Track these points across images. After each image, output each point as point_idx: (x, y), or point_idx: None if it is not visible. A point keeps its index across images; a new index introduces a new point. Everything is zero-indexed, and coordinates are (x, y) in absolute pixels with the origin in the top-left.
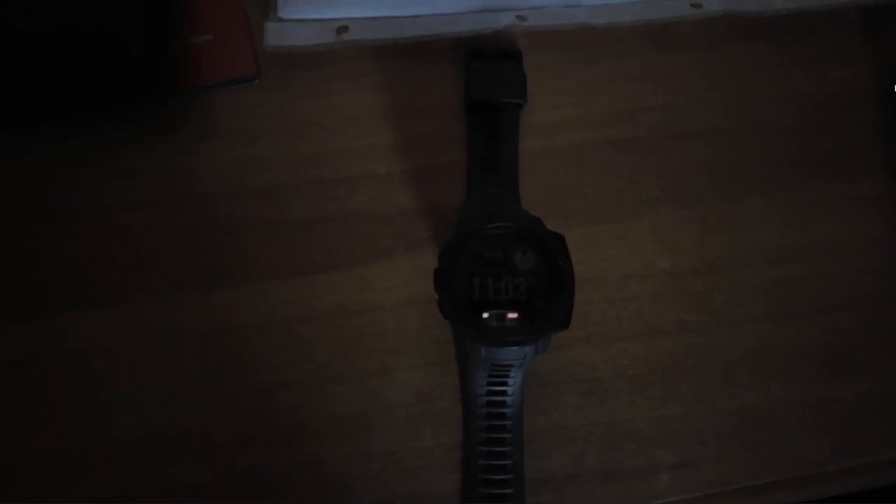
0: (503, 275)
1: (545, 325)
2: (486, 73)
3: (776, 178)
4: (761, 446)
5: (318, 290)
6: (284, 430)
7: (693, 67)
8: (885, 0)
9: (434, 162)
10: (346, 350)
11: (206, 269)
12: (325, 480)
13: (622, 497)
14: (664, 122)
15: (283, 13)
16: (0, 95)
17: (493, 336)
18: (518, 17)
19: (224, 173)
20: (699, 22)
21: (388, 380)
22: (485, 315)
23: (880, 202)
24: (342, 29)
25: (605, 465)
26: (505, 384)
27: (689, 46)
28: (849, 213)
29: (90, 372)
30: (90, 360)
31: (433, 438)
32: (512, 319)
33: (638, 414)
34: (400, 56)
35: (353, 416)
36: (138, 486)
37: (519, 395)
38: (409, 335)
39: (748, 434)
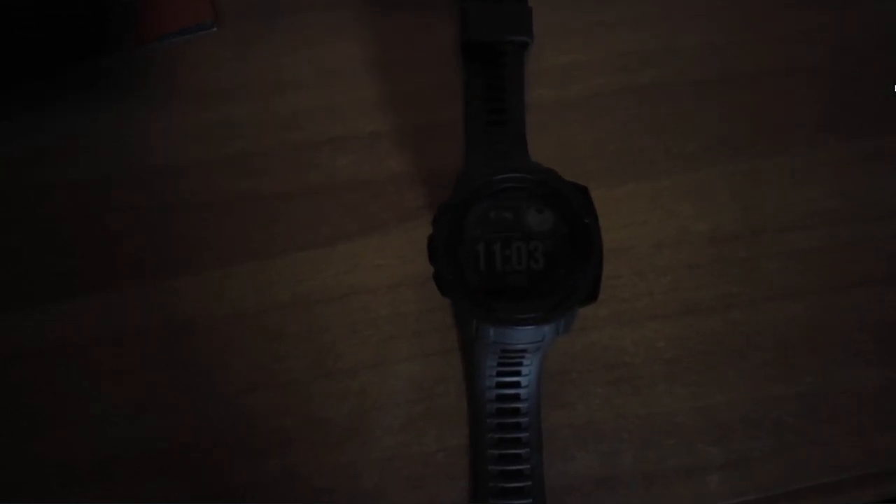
0: (514, 239)
1: (568, 299)
2: (484, 9)
3: (830, 128)
4: (824, 438)
5: (299, 273)
6: (266, 437)
7: (731, 2)
8: None
9: (429, 119)
10: (333, 341)
11: (169, 253)
12: (314, 495)
13: (663, 502)
14: (697, 66)
15: None
16: None
17: (503, 314)
18: None
19: (186, 141)
20: None
21: (383, 374)
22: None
23: None
24: None
25: (642, 466)
26: (518, 374)
27: None
28: None
29: (37, 378)
30: (37, 364)
31: (437, 441)
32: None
33: (678, 405)
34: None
35: (344, 418)
36: None
37: (535, 387)
38: (407, 321)
39: (808, 425)
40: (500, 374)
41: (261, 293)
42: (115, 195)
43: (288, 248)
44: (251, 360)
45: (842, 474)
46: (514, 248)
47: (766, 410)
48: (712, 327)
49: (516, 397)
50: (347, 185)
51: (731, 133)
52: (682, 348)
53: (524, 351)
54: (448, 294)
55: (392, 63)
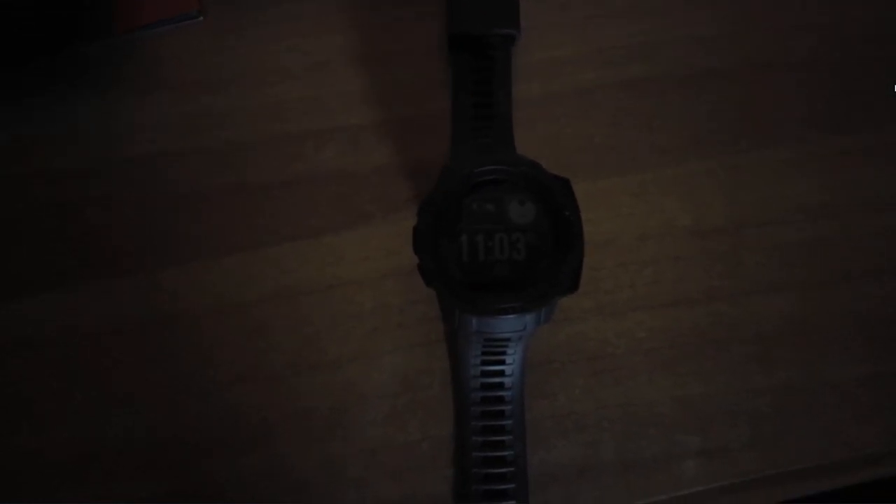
0: (497, 231)
1: (549, 289)
2: (472, 2)
3: (816, 123)
4: (801, 429)
5: (283, 265)
6: (248, 431)
7: None
8: None
9: (416, 112)
10: (317, 334)
11: (152, 246)
12: (297, 488)
13: (642, 489)
14: (687, 60)
15: None
16: None
17: (485, 303)
18: None
19: (170, 131)
20: None
21: (367, 366)
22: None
23: None
24: None
25: (622, 455)
26: (502, 363)
27: None
28: None
29: (17, 372)
30: (16, 359)
31: (421, 432)
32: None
33: (658, 395)
34: None
35: (328, 410)
36: None
37: (519, 376)
38: (391, 313)
39: (786, 415)
40: (484, 362)
41: (245, 285)
42: (97, 186)
43: (272, 240)
44: (234, 352)
45: (815, 462)
46: (497, 239)
47: (743, 401)
48: (694, 319)
49: (500, 386)
50: (333, 177)
51: (718, 127)
52: (664, 340)
53: (507, 340)
54: (431, 284)
55: (378, 55)
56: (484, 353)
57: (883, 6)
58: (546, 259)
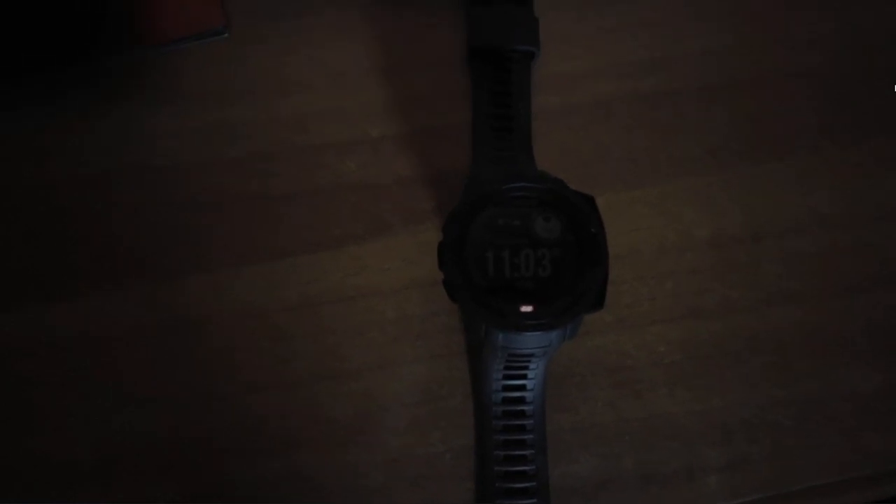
0: (522, 246)
1: (575, 305)
2: (491, 17)
3: (832, 133)
4: (823, 441)
5: (304, 274)
6: (269, 437)
7: (734, 8)
8: None
9: (436, 123)
10: (339, 343)
11: (174, 253)
12: (317, 495)
13: (663, 503)
14: (702, 72)
15: None
16: None
17: (512, 319)
18: None
19: (192, 141)
20: None
21: (388, 376)
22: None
23: None
24: None
25: (643, 469)
26: (524, 377)
27: None
28: None
29: (40, 375)
30: (40, 361)
31: (443, 442)
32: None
33: (679, 408)
34: (394, 1)
35: (350, 419)
36: None
37: (540, 390)
38: (412, 323)
39: (808, 428)
40: (506, 377)
41: (267, 294)
42: (119, 195)
43: (295, 250)
44: (257, 360)
45: (838, 476)
46: (523, 255)
47: (764, 413)
48: (713, 331)
49: (522, 400)
50: (354, 187)
51: (734, 138)
52: (684, 352)
53: (531, 355)
54: (457, 299)
55: (399, 66)
56: (507, 368)
57: (890, 17)
58: (571, 275)
